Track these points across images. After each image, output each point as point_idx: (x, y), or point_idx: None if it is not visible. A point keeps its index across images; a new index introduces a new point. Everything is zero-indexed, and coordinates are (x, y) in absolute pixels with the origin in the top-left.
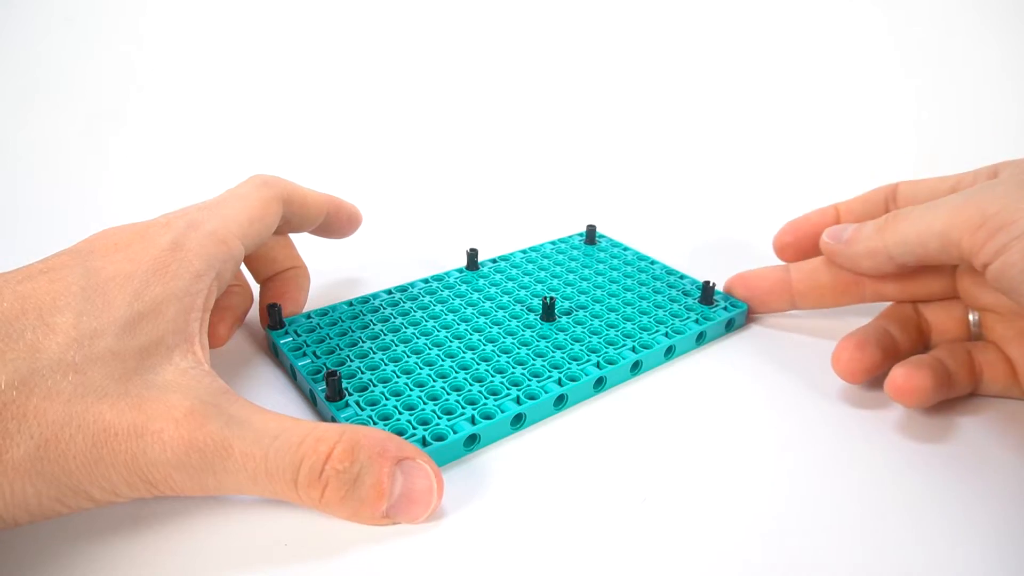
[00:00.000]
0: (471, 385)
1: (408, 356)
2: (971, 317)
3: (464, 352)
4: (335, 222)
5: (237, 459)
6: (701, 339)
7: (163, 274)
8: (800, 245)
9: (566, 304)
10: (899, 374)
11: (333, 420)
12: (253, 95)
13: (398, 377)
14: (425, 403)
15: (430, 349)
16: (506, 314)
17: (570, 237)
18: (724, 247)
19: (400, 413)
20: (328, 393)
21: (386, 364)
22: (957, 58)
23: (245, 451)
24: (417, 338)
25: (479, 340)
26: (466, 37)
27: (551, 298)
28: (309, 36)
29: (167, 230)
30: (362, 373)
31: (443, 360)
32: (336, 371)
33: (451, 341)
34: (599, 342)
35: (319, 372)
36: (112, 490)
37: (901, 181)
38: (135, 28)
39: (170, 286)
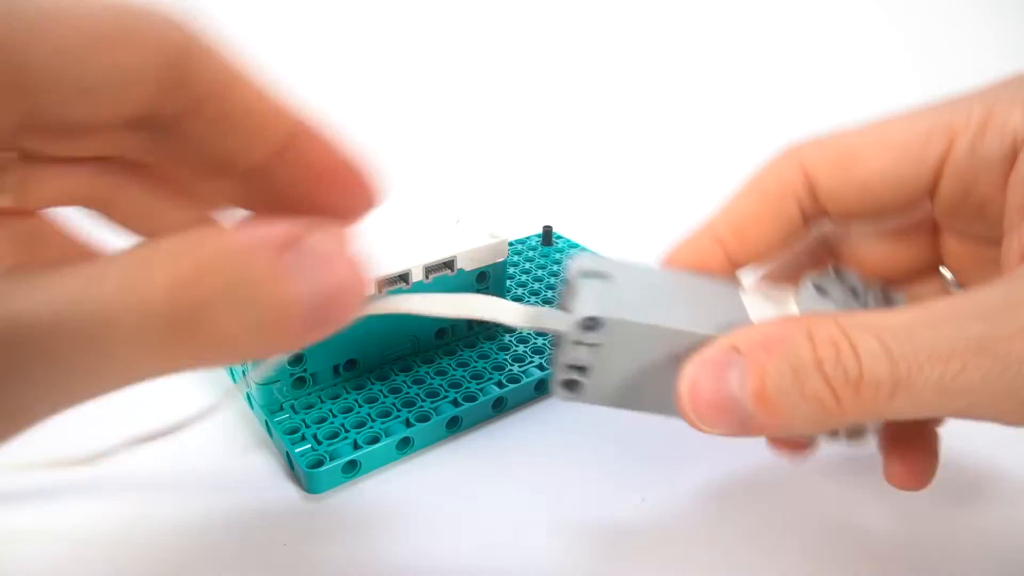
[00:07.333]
0: (409, 387)
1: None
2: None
3: (399, 359)
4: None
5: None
6: None
7: None
8: None
9: None
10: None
11: (267, 425)
12: None
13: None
14: (361, 406)
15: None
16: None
17: (527, 238)
18: None
19: (335, 416)
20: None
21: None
22: (947, 58)
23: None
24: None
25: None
26: (416, 34)
27: None
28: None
29: None
30: None
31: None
32: None
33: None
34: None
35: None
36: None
37: (808, 153)
38: None
39: None
